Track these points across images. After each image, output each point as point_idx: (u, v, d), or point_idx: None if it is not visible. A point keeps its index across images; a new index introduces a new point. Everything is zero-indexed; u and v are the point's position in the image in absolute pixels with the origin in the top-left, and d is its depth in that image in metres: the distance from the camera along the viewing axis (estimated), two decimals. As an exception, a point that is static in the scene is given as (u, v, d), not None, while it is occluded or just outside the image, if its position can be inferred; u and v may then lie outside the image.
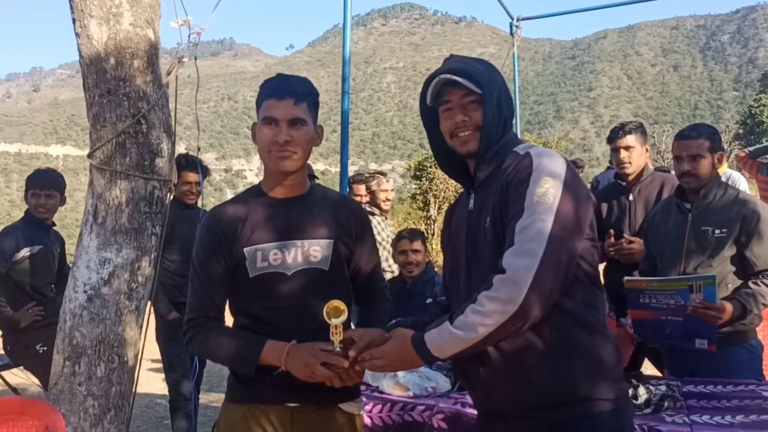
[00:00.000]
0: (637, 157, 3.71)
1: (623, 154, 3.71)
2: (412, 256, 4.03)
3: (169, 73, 3.23)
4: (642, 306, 3.04)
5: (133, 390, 3.09)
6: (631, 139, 3.71)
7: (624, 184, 3.77)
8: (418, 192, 17.07)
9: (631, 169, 3.72)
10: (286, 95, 2.00)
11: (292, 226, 2.09)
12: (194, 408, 4.29)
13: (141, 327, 3.11)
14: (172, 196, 3.17)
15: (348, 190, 4.79)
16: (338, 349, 1.86)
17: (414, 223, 16.20)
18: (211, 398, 5.60)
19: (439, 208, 15.31)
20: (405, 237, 4.14)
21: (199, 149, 3.34)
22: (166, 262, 4.17)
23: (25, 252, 4.06)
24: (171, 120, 3.15)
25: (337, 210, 2.15)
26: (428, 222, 16.23)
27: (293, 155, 2.02)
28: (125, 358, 3.00)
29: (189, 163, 4.24)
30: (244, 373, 2.03)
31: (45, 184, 4.13)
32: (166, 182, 3.11)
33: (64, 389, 2.90)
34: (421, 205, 17.07)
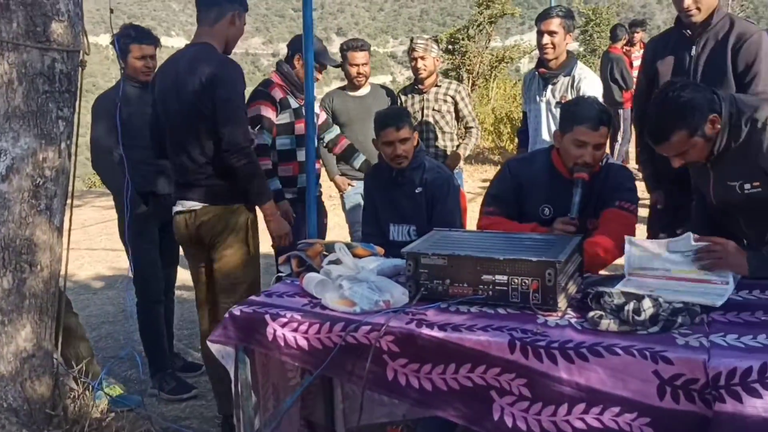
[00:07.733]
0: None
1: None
2: (401, 147, 3.19)
3: None
4: None
5: (57, 301, 2.68)
6: None
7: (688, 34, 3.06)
8: (450, 67, 15.56)
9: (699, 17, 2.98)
10: None
11: None
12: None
13: (59, 229, 2.64)
14: (82, 70, 2.60)
15: None
16: None
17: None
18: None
19: (472, 84, 14.03)
20: (390, 125, 3.19)
21: (111, 11, 2.73)
22: (127, 150, 3.66)
23: None
24: (71, -28, 2.54)
25: None
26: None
27: None
28: (39, 267, 2.56)
29: (138, 33, 3.59)
30: None
31: None
32: (71, 53, 2.55)
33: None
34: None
